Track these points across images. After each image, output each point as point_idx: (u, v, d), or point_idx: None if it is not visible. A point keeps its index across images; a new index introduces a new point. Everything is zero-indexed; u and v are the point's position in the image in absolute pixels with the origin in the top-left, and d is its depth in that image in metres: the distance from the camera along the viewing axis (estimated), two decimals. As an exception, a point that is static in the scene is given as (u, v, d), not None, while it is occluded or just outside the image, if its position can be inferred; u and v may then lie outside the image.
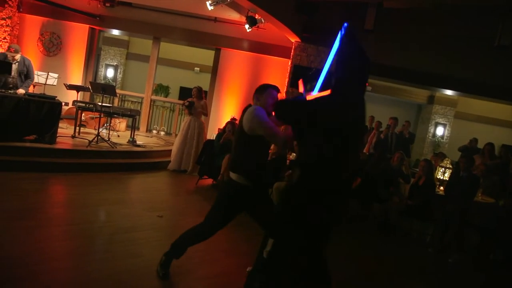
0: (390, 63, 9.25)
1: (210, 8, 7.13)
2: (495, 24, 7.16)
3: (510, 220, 4.83)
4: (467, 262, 4.96)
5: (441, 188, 6.00)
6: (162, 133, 10.19)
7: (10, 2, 9.05)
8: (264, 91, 2.93)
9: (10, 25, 9.14)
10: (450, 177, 5.96)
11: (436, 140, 12.97)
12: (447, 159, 6.76)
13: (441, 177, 6.28)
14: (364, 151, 7.39)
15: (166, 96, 13.07)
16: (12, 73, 6.33)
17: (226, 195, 2.95)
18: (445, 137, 12.93)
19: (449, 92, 10.54)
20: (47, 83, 7.59)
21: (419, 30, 8.76)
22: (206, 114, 7.52)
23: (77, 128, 7.23)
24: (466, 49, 8.83)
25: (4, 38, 9.06)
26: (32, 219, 3.89)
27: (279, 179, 5.43)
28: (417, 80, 9.45)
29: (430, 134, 13.05)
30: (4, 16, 9.05)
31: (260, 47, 9.31)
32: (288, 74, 8.99)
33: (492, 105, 12.17)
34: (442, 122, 13.03)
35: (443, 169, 6.41)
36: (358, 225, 5.72)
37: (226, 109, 9.49)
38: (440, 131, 13.04)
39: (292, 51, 8.84)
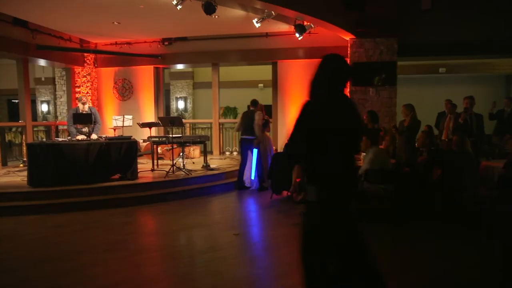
0: (464, 38, 8.46)
1: (257, 25, 7.29)
2: None
3: None
4: None
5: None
6: (235, 153, 10.49)
7: (87, 61, 10.23)
8: None
9: (90, 80, 10.32)
10: None
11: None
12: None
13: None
14: (443, 138, 6.78)
15: (235, 117, 13.43)
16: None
17: None
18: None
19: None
20: (124, 125, 8.36)
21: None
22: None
23: (155, 161, 7.79)
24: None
25: (87, 92, 10.23)
26: (122, 249, 4.25)
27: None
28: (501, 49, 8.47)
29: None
30: (85, 74, 10.25)
31: (315, 52, 9.19)
32: (348, 73, 8.72)
33: None
34: (542, 91, 11.48)
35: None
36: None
37: (292, 120, 9.47)
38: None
39: (349, 49, 8.58)
